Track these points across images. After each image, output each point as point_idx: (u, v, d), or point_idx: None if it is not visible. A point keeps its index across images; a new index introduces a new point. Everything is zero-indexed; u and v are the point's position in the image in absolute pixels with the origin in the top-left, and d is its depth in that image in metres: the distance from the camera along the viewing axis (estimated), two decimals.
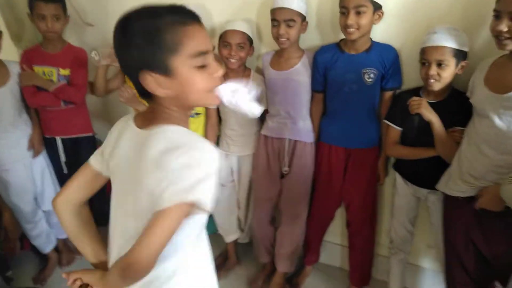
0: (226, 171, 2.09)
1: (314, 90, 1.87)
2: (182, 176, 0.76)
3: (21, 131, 2.03)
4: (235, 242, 2.25)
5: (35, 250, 2.21)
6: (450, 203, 1.57)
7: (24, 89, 1.99)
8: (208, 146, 0.82)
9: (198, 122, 2.07)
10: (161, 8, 0.81)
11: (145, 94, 0.86)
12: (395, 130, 1.70)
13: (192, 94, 0.84)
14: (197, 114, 2.05)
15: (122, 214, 0.92)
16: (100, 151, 0.99)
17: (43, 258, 2.24)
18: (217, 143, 2.11)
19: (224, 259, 2.30)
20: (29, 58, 2.03)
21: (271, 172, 2.02)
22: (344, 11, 1.59)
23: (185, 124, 0.90)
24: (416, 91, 1.64)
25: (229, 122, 2.02)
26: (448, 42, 1.44)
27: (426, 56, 1.49)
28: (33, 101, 2.01)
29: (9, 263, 1.95)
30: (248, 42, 1.87)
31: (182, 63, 0.80)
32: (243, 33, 1.84)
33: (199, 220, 0.92)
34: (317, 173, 1.96)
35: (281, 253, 2.07)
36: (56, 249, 2.27)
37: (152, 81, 0.81)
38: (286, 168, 1.99)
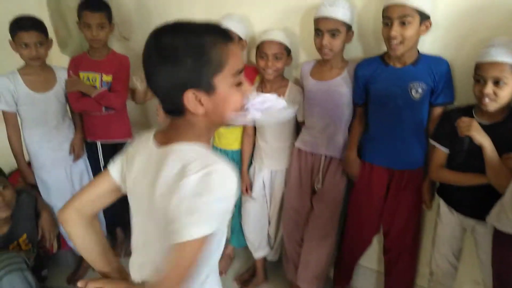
0: (259, 185, 2.03)
1: (354, 103, 1.76)
2: (198, 206, 0.74)
3: (64, 135, 2.11)
4: (264, 259, 2.17)
5: (73, 250, 2.28)
6: (501, 239, 1.38)
7: (69, 95, 2.07)
8: (225, 169, 0.78)
9: (238, 132, 2.04)
10: (199, 25, 0.80)
11: (174, 111, 0.84)
12: (442, 152, 1.54)
13: (228, 111, 0.83)
14: None
15: (143, 232, 0.91)
16: (120, 162, 0.96)
17: (79, 259, 2.30)
18: (252, 153, 2.06)
19: (251, 275, 2.22)
20: (76, 65, 2.12)
21: (302, 187, 1.93)
22: (387, 21, 1.47)
23: (207, 141, 0.87)
24: (468, 110, 1.48)
25: (263, 134, 1.96)
26: (508, 57, 1.28)
27: (481, 73, 1.33)
28: (76, 106, 2.09)
29: (45, 262, 2.02)
30: (285, 52, 1.81)
31: (223, 81, 0.80)
32: (280, 43, 1.79)
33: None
34: (355, 194, 1.83)
35: (306, 273, 1.96)
36: None
37: (194, 99, 0.79)
38: (319, 186, 1.89)
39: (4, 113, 1.96)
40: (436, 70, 1.52)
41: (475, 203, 1.48)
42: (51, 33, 2.55)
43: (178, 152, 0.81)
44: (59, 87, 2.06)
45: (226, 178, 0.77)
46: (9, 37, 1.89)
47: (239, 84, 0.83)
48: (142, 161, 0.89)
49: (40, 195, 2.09)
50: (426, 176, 1.69)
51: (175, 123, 0.86)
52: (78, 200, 0.96)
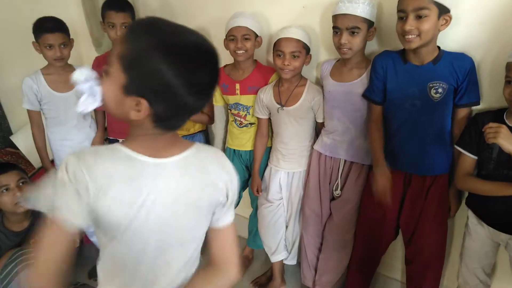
0: (275, 187, 1.96)
1: (371, 100, 1.62)
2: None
3: (85, 134, 2.15)
4: (282, 263, 2.11)
5: (95, 244, 2.34)
6: None
7: None
8: None
9: (252, 132, 2.00)
10: (187, 39, 0.76)
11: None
12: (469, 158, 1.41)
13: None
14: (251, 124, 1.98)
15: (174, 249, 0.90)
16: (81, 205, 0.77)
17: None
18: (267, 155, 2.00)
19: (268, 278, 2.17)
20: (99, 64, 2.16)
21: (321, 192, 1.85)
22: (402, 15, 1.36)
23: None
24: (499, 114, 1.34)
25: (280, 135, 1.89)
26: None
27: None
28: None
29: None
30: (304, 50, 1.73)
31: None
32: (298, 40, 1.71)
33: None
34: (368, 199, 1.71)
35: (324, 280, 1.89)
36: None
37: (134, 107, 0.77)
38: (338, 192, 1.80)
39: (28, 111, 2.03)
40: (459, 67, 1.39)
41: (508, 216, 1.35)
42: (86, 33, 2.63)
43: (203, 152, 0.90)
44: None
45: None
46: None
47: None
48: (162, 182, 0.82)
49: None
50: (452, 182, 1.56)
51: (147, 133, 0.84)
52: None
